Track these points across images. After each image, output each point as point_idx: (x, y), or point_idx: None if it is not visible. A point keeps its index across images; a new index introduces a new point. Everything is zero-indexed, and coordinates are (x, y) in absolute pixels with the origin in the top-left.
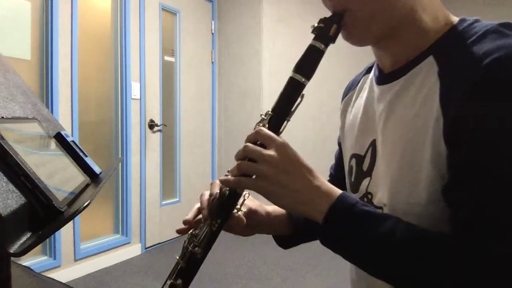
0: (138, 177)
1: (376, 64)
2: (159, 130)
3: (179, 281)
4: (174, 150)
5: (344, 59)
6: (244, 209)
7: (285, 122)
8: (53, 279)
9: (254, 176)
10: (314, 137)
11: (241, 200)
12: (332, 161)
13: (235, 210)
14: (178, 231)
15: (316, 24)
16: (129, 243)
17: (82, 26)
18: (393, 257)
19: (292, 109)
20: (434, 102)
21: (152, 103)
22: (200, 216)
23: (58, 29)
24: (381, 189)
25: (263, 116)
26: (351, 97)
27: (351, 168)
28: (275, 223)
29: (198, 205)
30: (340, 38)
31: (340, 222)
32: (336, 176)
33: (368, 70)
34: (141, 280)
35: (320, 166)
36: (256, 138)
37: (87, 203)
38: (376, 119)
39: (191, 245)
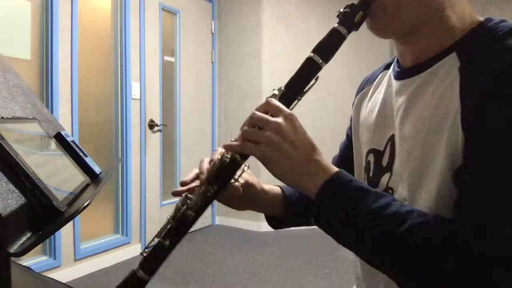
0: (138, 177)
1: (396, 60)
2: (159, 130)
3: (167, 241)
4: (174, 150)
5: (345, 59)
6: (241, 181)
7: (296, 100)
8: (53, 279)
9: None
10: (314, 136)
11: (239, 171)
12: (331, 160)
13: (233, 180)
14: (174, 193)
15: (342, 10)
16: (129, 243)
17: (82, 26)
18: (383, 232)
19: (305, 89)
20: (453, 95)
21: (152, 103)
22: (197, 182)
23: (58, 29)
24: (401, 184)
25: (275, 92)
26: (367, 92)
27: (369, 164)
28: (270, 202)
29: (196, 170)
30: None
31: (334, 196)
32: (339, 167)
33: (387, 67)
34: None
35: None
36: (265, 109)
37: (87, 203)
38: (394, 113)
39: (184, 207)
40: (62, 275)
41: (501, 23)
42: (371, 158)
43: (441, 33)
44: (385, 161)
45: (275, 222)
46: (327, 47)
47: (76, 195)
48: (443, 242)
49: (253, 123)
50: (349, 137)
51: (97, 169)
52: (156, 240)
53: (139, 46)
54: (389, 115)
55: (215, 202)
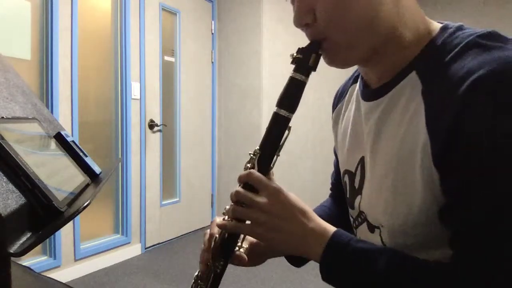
0: (138, 177)
1: (361, 76)
2: (159, 130)
3: None
4: (174, 150)
5: None
6: (246, 244)
7: (275, 157)
8: (53, 279)
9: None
10: (313, 137)
11: (241, 237)
12: (330, 162)
13: (237, 248)
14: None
15: (295, 54)
16: (129, 243)
17: (82, 26)
18: None
19: (281, 143)
20: (420, 124)
21: (152, 103)
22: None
23: (58, 29)
24: (374, 209)
25: (251, 155)
26: (341, 109)
27: (345, 184)
28: None
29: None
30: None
31: (335, 263)
32: (337, 185)
33: (355, 79)
34: (141, 280)
35: (319, 166)
36: (247, 181)
37: (87, 203)
38: (364, 136)
39: None
40: (62, 275)
41: (456, 32)
42: (346, 179)
43: (398, 52)
44: (356, 182)
45: (295, 260)
46: (290, 98)
47: (76, 195)
48: None
49: (240, 200)
50: (337, 156)
51: (97, 169)
52: None
53: (139, 46)
54: (360, 137)
55: (215, 201)
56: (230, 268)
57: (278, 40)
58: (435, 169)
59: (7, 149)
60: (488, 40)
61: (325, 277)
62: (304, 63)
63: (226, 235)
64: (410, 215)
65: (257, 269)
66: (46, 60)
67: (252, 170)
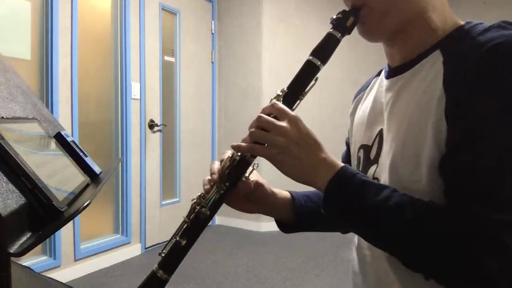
0: (138, 177)
1: (387, 64)
2: (159, 130)
3: (184, 240)
4: (174, 150)
5: (344, 60)
6: (251, 179)
7: (298, 100)
8: (53, 279)
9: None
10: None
11: (250, 169)
12: None
13: (243, 178)
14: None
15: (334, 16)
16: (129, 243)
17: (82, 26)
18: (388, 222)
19: (306, 90)
20: (437, 84)
21: (152, 103)
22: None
23: (58, 29)
24: (385, 171)
25: (278, 93)
26: (361, 97)
27: (359, 159)
28: (279, 205)
29: (208, 177)
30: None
31: (340, 190)
32: None
33: (379, 73)
34: (141, 280)
35: None
36: (270, 111)
37: (87, 203)
38: (384, 109)
39: (199, 206)
40: (62, 275)
41: (478, 24)
42: (361, 153)
43: (425, 33)
44: (372, 154)
45: (285, 226)
46: (324, 50)
47: (76, 195)
48: (437, 227)
49: (260, 125)
50: (348, 147)
51: (97, 169)
52: (174, 240)
53: (139, 46)
54: (379, 111)
55: None
56: (230, 267)
57: (278, 40)
58: (445, 121)
59: (7, 149)
60: (510, 25)
61: (328, 204)
62: (342, 22)
63: (237, 159)
64: (416, 171)
65: (257, 269)
66: (46, 60)
67: (276, 101)
